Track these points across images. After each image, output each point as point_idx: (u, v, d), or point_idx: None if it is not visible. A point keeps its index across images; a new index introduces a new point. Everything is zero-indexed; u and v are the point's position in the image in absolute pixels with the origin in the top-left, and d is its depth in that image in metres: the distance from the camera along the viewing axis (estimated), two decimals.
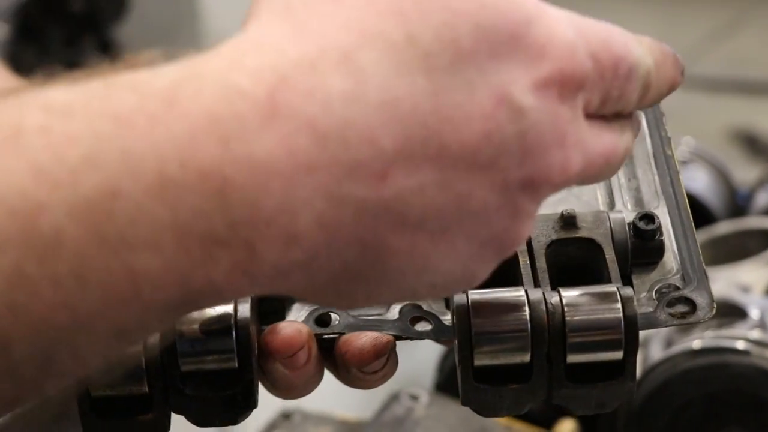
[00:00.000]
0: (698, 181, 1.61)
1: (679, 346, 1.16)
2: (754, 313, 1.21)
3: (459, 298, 0.63)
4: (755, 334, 1.16)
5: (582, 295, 0.63)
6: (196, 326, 0.63)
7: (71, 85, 0.45)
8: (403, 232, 0.48)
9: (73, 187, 0.42)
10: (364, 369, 0.67)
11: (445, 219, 0.49)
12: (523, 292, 0.63)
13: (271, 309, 0.68)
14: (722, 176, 1.65)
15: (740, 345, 1.14)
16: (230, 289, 0.47)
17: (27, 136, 0.42)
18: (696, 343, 1.15)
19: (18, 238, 0.42)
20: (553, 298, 0.63)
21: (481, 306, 0.62)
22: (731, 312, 1.22)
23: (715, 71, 5.24)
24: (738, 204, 1.66)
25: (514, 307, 0.62)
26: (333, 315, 0.68)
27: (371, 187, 0.46)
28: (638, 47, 0.55)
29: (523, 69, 0.48)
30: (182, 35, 4.03)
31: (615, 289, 0.63)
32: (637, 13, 5.40)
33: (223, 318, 0.63)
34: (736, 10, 5.15)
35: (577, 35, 0.51)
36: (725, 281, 1.36)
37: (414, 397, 1.19)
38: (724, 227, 1.51)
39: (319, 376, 0.68)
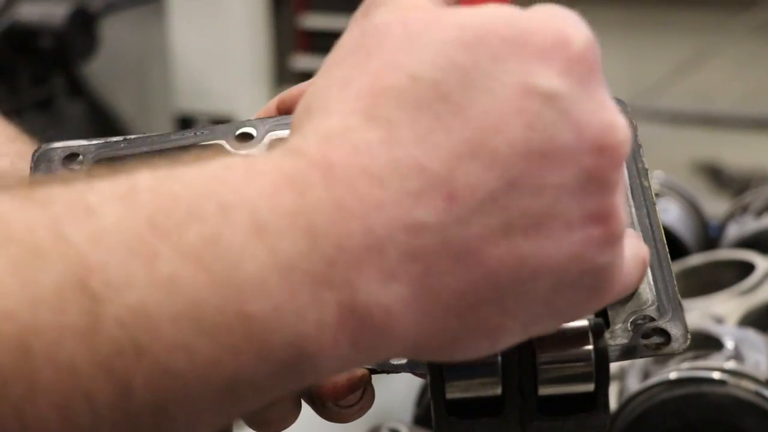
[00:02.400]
0: (670, 213, 1.63)
1: (656, 378, 1.16)
2: (729, 344, 1.23)
3: None
4: (731, 364, 1.17)
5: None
6: None
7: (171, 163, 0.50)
8: (496, 240, 0.49)
9: (179, 236, 0.46)
10: (340, 403, 0.67)
11: (531, 215, 0.50)
12: None
13: None
14: (694, 209, 1.67)
15: (716, 375, 1.15)
16: (341, 332, 0.48)
17: (140, 193, 0.47)
18: (673, 375, 1.16)
19: (141, 278, 0.45)
20: None
21: None
22: (707, 343, 1.24)
23: (680, 105, 5.30)
24: (710, 236, 1.67)
25: None
26: None
27: (443, 209, 0.48)
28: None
29: (537, 62, 0.51)
30: (151, 71, 4.03)
31: (586, 321, 0.63)
32: (603, 47, 5.45)
33: None
34: (701, 44, 5.21)
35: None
36: (699, 312, 1.37)
37: (394, 431, 1.20)
38: (696, 259, 1.52)
39: (297, 411, 0.68)
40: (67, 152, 0.76)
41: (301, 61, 3.51)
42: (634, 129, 0.79)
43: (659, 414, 1.14)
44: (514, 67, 0.50)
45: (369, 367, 0.68)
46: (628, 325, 0.69)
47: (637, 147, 0.77)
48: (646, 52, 5.39)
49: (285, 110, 0.77)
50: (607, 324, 0.67)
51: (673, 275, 0.71)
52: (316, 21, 3.52)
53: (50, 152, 0.76)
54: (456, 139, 0.49)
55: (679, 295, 0.70)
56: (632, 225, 0.73)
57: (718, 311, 1.37)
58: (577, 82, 0.51)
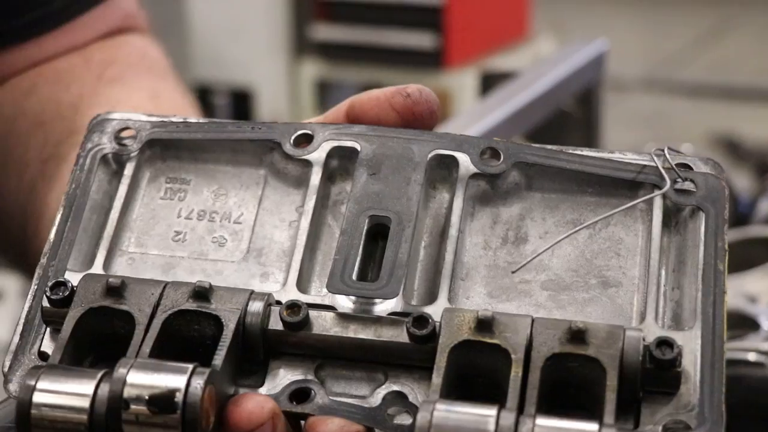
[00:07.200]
0: None
1: None
2: (766, 325, 1.20)
3: (423, 413, 0.60)
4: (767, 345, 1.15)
5: (559, 429, 0.60)
6: (145, 396, 0.61)
7: None
8: None
9: None
10: None
11: None
12: (494, 414, 0.60)
13: (253, 370, 0.67)
14: None
15: (752, 357, 1.12)
16: None
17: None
18: None
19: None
20: (525, 427, 0.59)
21: (442, 426, 0.60)
22: (742, 323, 1.21)
23: (699, 77, 5.27)
24: (740, 212, 1.65)
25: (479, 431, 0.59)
26: (313, 390, 0.66)
27: None
28: None
29: None
30: (169, 40, 4.01)
31: (596, 428, 0.59)
32: (623, 21, 5.42)
33: (171, 392, 0.61)
34: (720, 17, 5.17)
35: None
36: (732, 291, 1.35)
37: None
38: (727, 235, 1.50)
39: None
40: (122, 125, 0.77)
41: (320, 31, 3.48)
42: (727, 199, 0.70)
43: None
44: None
45: (367, 424, 0.66)
46: (659, 428, 0.63)
47: (722, 222, 0.70)
48: (666, 25, 5.35)
49: (354, 116, 0.74)
50: (636, 423, 0.63)
51: (723, 379, 0.64)
52: None
53: (105, 123, 0.78)
54: None
55: (723, 405, 0.64)
56: (694, 312, 0.67)
57: (751, 290, 1.35)
58: None
